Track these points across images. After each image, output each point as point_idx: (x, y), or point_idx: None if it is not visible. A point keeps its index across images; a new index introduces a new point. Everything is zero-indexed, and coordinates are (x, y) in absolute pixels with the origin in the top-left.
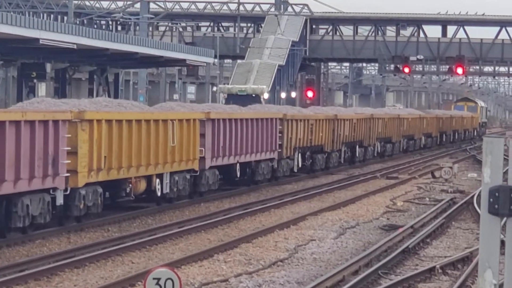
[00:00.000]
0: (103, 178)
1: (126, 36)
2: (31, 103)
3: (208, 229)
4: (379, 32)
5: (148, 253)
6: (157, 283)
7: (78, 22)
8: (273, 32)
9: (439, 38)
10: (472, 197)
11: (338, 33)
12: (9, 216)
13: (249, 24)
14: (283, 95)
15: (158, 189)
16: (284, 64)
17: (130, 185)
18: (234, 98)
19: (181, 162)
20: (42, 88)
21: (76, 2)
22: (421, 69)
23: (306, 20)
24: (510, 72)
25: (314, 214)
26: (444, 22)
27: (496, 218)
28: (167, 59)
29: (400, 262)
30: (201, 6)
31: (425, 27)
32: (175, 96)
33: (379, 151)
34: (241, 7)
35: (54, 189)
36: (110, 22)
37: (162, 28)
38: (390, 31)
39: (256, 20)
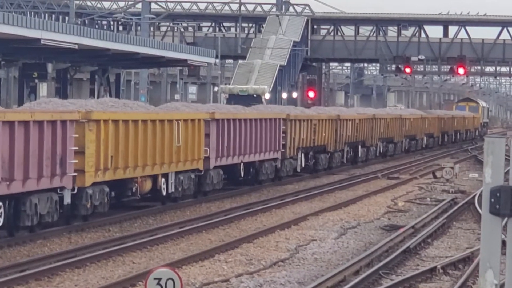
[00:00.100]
0: (110, 177)
1: (127, 36)
2: (39, 103)
3: (209, 229)
4: (381, 32)
5: (149, 253)
6: (158, 283)
7: (79, 22)
8: (274, 32)
9: (440, 38)
10: (473, 197)
11: (339, 33)
12: (17, 215)
13: (250, 24)
14: (284, 95)
15: (164, 188)
16: (285, 64)
17: (136, 184)
18: (235, 98)
19: (186, 162)
20: (43, 89)
21: (77, 2)
22: (422, 69)
23: (307, 20)
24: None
25: (315, 214)
26: (445, 22)
27: (497, 218)
28: (169, 59)
29: (401, 262)
30: (202, 6)
31: (426, 27)
32: (177, 96)
33: (381, 151)
34: (242, 7)
35: (62, 188)
36: (112, 22)
37: (163, 28)
38: (392, 31)
39: (258, 20)
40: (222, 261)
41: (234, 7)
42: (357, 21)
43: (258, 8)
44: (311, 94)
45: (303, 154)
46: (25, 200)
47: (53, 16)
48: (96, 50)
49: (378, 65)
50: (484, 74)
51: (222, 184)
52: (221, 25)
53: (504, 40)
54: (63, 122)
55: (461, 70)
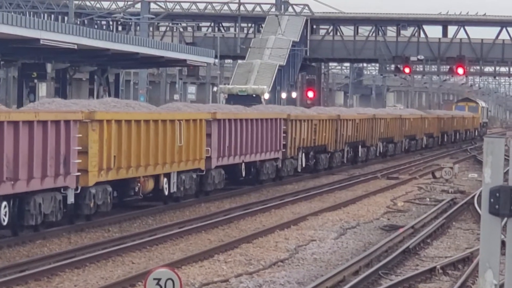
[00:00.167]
0: (113, 177)
1: (126, 36)
2: (42, 103)
3: (208, 229)
4: (380, 32)
5: (149, 254)
6: (158, 284)
7: (78, 22)
8: (273, 32)
9: (439, 38)
10: (473, 197)
11: (338, 33)
12: (21, 214)
13: (249, 24)
14: (283, 95)
15: (166, 188)
16: (284, 64)
17: (139, 184)
18: (234, 98)
19: (187, 161)
20: (42, 89)
21: (76, 2)
22: (421, 69)
23: (306, 20)
24: (511, 72)
25: (315, 214)
26: (444, 22)
27: (497, 219)
28: (168, 59)
29: (400, 263)
30: (201, 6)
31: (425, 27)
32: (176, 97)
33: (381, 151)
34: (241, 7)
35: (65, 188)
36: (111, 22)
37: (162, 28)
38: (391, 31)
39: (257, 20)
40: (222, 261)
41: (233, 7)
42: (356, 21)
43: (257, 8)
44: (310, 94)
45: (303, 154)
46: (29, 199)
47: (52, 16)
48: (95, 50)
49: (377, 65)
50: (483, 74)
51: (223, 184)
52: (220, 25)
53: (503, 40)
54: (67, 122)
55: (460, 70)
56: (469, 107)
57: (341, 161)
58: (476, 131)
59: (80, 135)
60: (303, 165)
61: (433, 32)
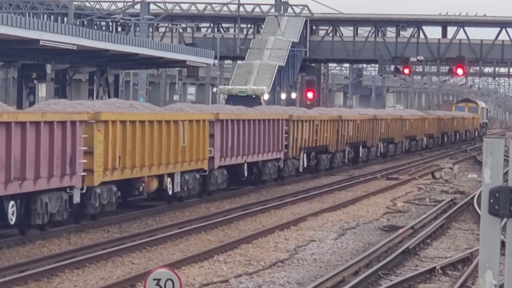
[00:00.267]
0: (118, 177)
1: (126, 37)
2: (48, 104)
3: (208, 229)
4: (379, 33)
5: (148, 254)
6: (157, 284)
7: (78, 23)
8: (273, 33)
9: (439, 39)
10: (472, 198)
11: (338, 34)
12: (28, 213)
13: (249, 25)
14: (283, 96)
15: (169, 188)
16: (284, 65)
17: (143, 184)
18: (234, 99)
19: (191, 161)
20: (42, 89)
21: (76, 3)
22: (421, 70)
23: (306, 21)
24: (510, 73)
25: (315, 214)
26: (444, 23)
27: (497, 219)
28: (167, 60)
29: (400, 263)
30: (201, 7)
31: (425, 28)
32: (175, 97)
33: (382, 151)
34: (241, 8)
35: (71, 187)
36: (110, 23)
37: (162, 29)
38: (390, 32)
39: (256, 21)
40: (221, 262)
41: (233, 8)
42: (355, 22)
43: (257, 9)
44: (310, 94)
45: (305, 154)
46: (36, 199)
47: (52, 17)
48: (95, 50)
49: (377, 65)
50: (483, 75)
51: (226, 184)
52: (220, 25)
53: (503, 40)
54: (73, 123)
55: (460, 71)
56: (469, 108)
57: (342, 161)
58: (476, 132)
59: (86, 136)
60: (305, 166)
61: (433, 32)
